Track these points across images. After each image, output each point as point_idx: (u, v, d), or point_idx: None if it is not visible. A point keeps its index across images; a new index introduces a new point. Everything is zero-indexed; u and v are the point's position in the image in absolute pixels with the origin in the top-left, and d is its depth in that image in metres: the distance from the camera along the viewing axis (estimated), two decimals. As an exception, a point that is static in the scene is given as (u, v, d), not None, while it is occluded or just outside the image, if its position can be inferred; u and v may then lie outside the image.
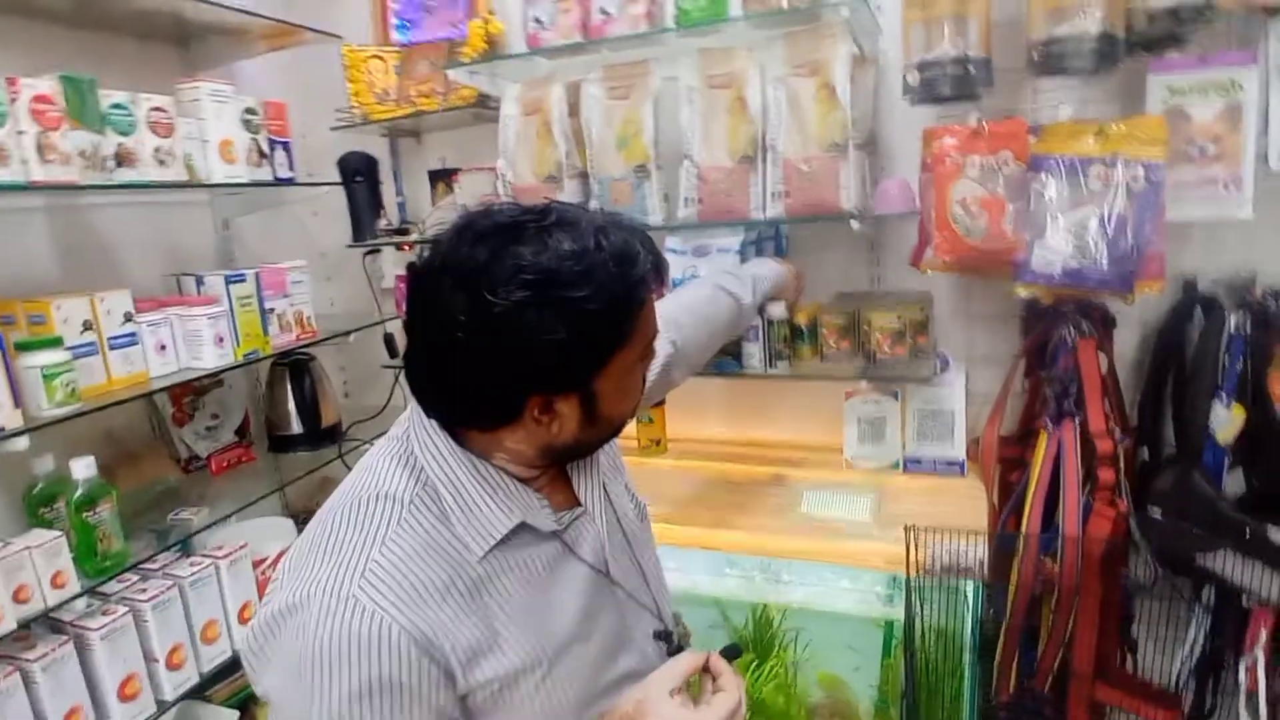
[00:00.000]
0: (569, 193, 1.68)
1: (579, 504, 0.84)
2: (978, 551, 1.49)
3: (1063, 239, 1.36)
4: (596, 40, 1.62)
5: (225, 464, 1.96)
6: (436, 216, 1.97)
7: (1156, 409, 1.60)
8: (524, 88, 1.71)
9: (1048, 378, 1.57)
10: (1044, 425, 1.56)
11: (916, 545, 1.49)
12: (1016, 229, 1.40)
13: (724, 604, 1.85)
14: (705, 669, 0.80)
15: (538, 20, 1.64)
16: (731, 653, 0.82)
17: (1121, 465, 1.48)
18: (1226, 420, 1.42)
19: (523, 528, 0.77)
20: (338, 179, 2.00)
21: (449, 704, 0.70)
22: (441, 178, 2.07)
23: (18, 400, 1.31)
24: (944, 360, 1.72)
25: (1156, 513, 1.49)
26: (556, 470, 0.83)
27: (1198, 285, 1.53)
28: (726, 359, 1.66)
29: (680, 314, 1.27)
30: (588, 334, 0.69)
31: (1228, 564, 1.38)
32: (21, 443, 1.31)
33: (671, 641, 0.89)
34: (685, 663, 0.78)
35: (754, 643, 1.86)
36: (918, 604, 1.52)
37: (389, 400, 2.17)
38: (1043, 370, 1.60)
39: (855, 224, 1.50)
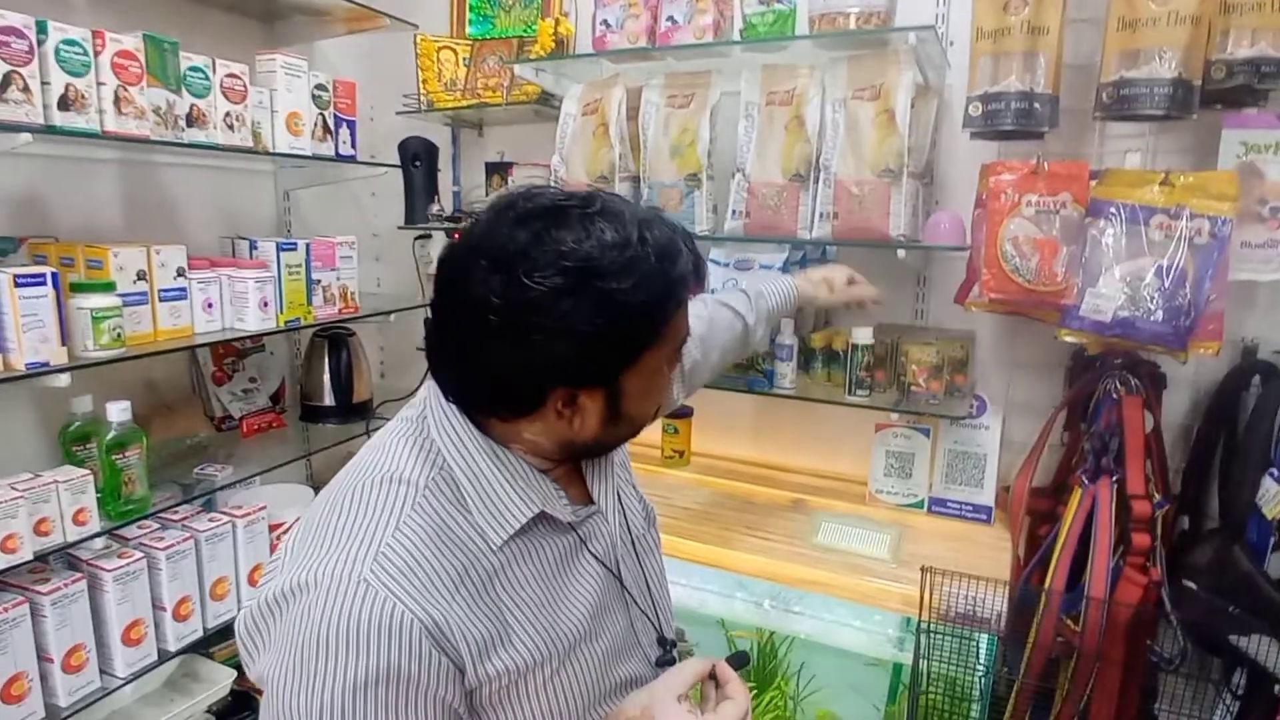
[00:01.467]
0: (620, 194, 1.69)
1: (592, 502, 0.82)
2: (996, 603, 1.44)
3: (1117, 287, 1.31)
4: (662, 47, 1.63)
5: (256, 427, 2.00)
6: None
7: (1202, 478, 1.53)
8: (586, 88, 1.73)
9: (1088, 432, 1.51)
10: (1079, 481, 1.51)
11: (932, 589, 1.45)
12: (1068, 273, 1.36)
13: (729, 626, 1.82)
14: (711, 676, 0.78)
15: (605, 23, 1.66)
16: (738, 660, 0.80)
17: (1159, 531, 1.42)
18: (1276, 496, 1.35)
19: (541, 518, 0.75)
20: (398, 162, 2.05)
21: (456, 699, 0.67)
22: (498, 170, 2.10)
23: (65, 338, 1.36)
24: (981, 403, 1.67)
25: (1192, 586, 1.42)
26: (571, 466, 0.82)
27: (1258, 352, 1.46)
28: (758, 377, 1.65)
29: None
30: (623, 328, 0.67)
31: (1264, 648, 1.30)
32: (63, 379, 1.35)
33: (674, 650, 0.87)
34: (692, 668, 0.76)
35: (756, 671, 1.82)
36: (928, 650, 1.47)
37: (421, 384, 2.18)
38: (1084, 424, 1.54)
39: (901, 253, 1.48)
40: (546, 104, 1.90)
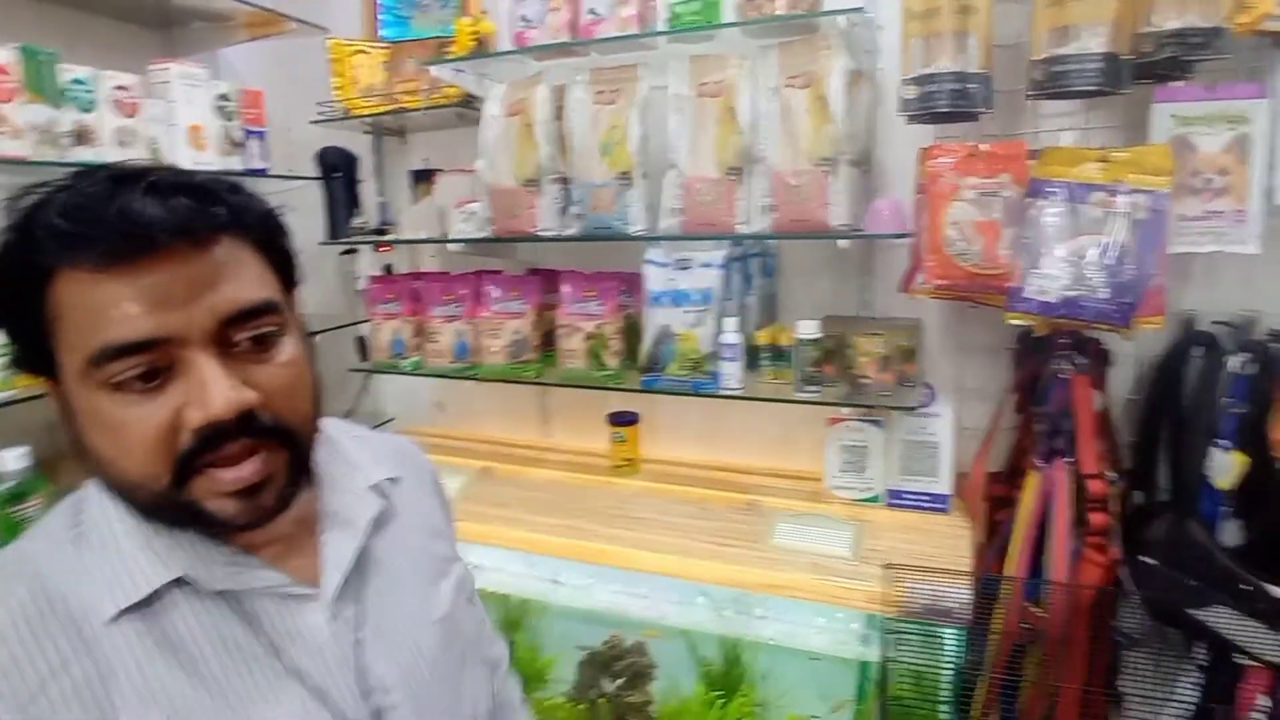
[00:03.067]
0: (549, 197, 1.62)
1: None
2: (960, 594, 1.41)
3: (1060, 267, 1.29)
4: (585, 40, 1.56)
5: (178, 464, 1.87)
6: (413, 217, 1.90)
7: (1151, 452, 1.53)
8: (509, 88, 1.65)
9: (1039, 414, 1.50)
10: (1034, 463, 1.49)
11: (897, 585, 1.42)
12: (1012, 255, 1.34)
13: (692, 636, 1.77)
14: None
15: (525, 19, 1.59)
16: None
17: (1114, 509, 1.41)
18: (1225, 467, 1.35)
19: (188, 591, 0.59)
20: (316, 174, 1.93)
21: None
22: (423, 178, 2.01)
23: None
24: (931, 391, 1.65)
25: (1149, 561, 1.41)
26: (302, 540, 0.66)
27: (1196, 323, 1.46)
28: (703, 379, 1.59)
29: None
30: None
31: (1223, 619, 1.30)
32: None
33: None
34: None
35: (722, 679, 1.77)
36: (895, 646, 1.44)
37: (356, 405, 2.08)
38: (1034, 406, 1.53)
39: (843, 243, 1.44)
40: (469, 107, 1.82)
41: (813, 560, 1.55)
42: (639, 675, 1.86)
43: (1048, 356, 1.49)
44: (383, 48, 1.98)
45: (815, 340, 1.53)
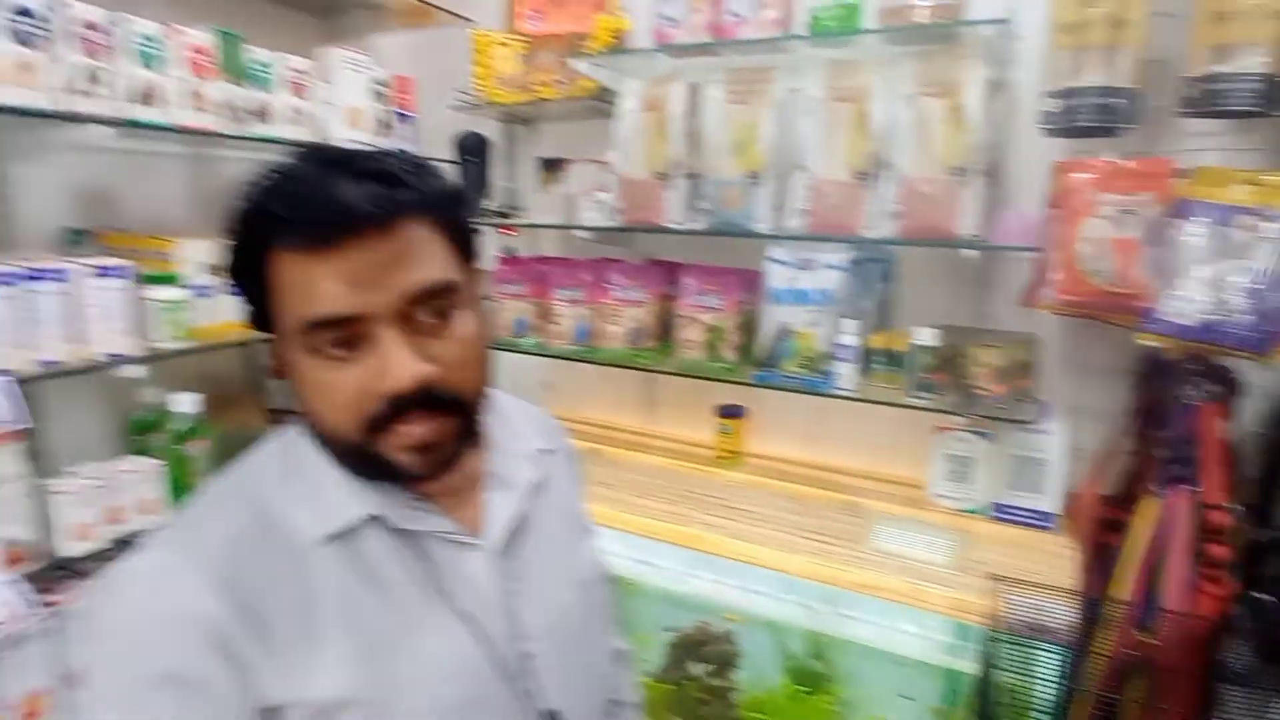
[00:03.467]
0: (678, 191, 1.68)
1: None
2: (1062, 613, 1.40)
3: (1200, 290, 1.27)
4: (724, 42, 1.61)
5: (310, 420, 2.02)
6: (542, 203, 1.99)
7: (1273, 487, 1.47)
8: (646, 84, 1.71)
9: (1161, 439, 1.46)
10: (1150, 489, 1.46)
11: (1000, 597, 1.42)
12: (1149, 275, 1.31)
13: (780, 629, 1.80)
14: None
15: (668, 18, 1.65)
16: None
17: (1233, 543, 1.37)
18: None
19: (381, 527, 0.67)
20: (453, 157, 2.05)
21: (245, 711, 0.59)
22: (550, 167, 2.10)
23: (137, 329, 1.38)
24: (1045, 407, 1.63)
25: (1263, 598, 1.37)
26: (469, 494, 0.74)
27: (1343, 359, 1.40)
28: (817, 377, 1.62)
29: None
30: (232, 263, 0.64)
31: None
32: (135, 370, 1.37)
33: None
34: None
35: (807, 674, 1.80)
36: (994, 660, 1.44)
37: (471, 379, 2.19)
38: (1156, 430, 1.50)
39: (968, 252, 1.44)
40: (602, 100, 1.89)
41: (909, 565, 1.56)
42: (725, 662, 1.91)
43: (1175, 381, 1.45)
44: (521, 40, 2.08)
45: (931, 347, 1.54)
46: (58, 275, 1.26)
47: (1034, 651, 1.42)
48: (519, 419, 0.83)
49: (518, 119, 2.21)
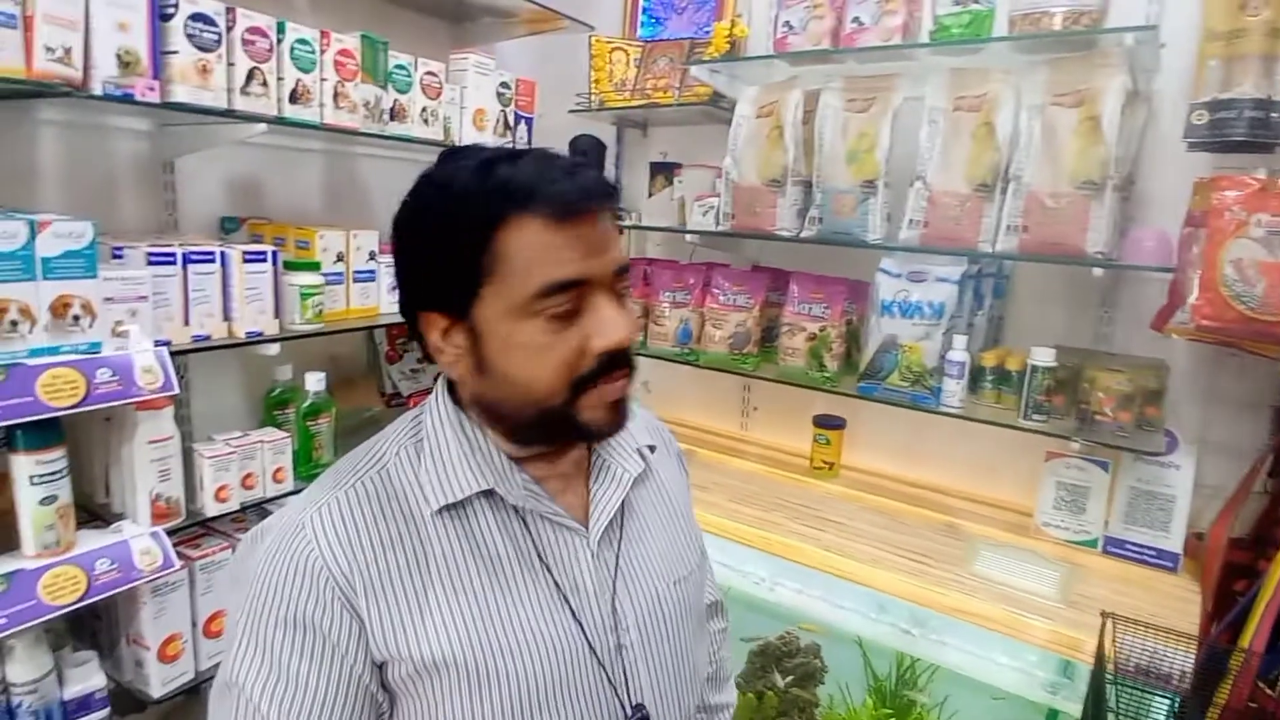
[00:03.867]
0: (790, 199, 1.68)
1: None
2: (1179, 659, 1.32)
3: (1361, 323, 1.17)
4: (844, 49, 1.60)
5: (421, 404, 2.13)
6: (653, 206, 2.02)
7: None
8: (762, 90, 1.72)
9: (1305, 481, 1.35)
10: (1291, 534, 1.36)
11: (1113, 637, 1.34)
12: (1301, 303, 1.22)
13: (868, 646, 1.76)
14: None
15: (788, 24, 1.64)
16: None
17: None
18: None
19: (493, 506, 0.72)
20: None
21: (362, 667, 0.66)
22: (662, 170, 2.13)
23: (277, 311, 1.49)
24: (1173, 439, 1.53)
25: None
26: (576, 482, 0.77)
27: None
28: (924, 393, 1.58)
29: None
30: (446, 239, 0.67)
31: None
32: (274, 349, 1.49)
33: None
34: None
35: (893, 697, 1.76)
36: (1100, 704, 1.36)
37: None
38: (1299, 471, 1.39)
39: (1098, 271, 1.38)
40: (716, 105, 1.91)
41: (1011, 594, 1.50)
42: (809, 676, 1.89)
43: (1325, 420, 1.34)
44: (638, 46, 2.12)
45: (1049, 368, 1.48)
46: (214, 258, 1.38)
47: (1147, 697, 1.34)
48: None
49: (632, 123, 2.25)
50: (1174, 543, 1.53)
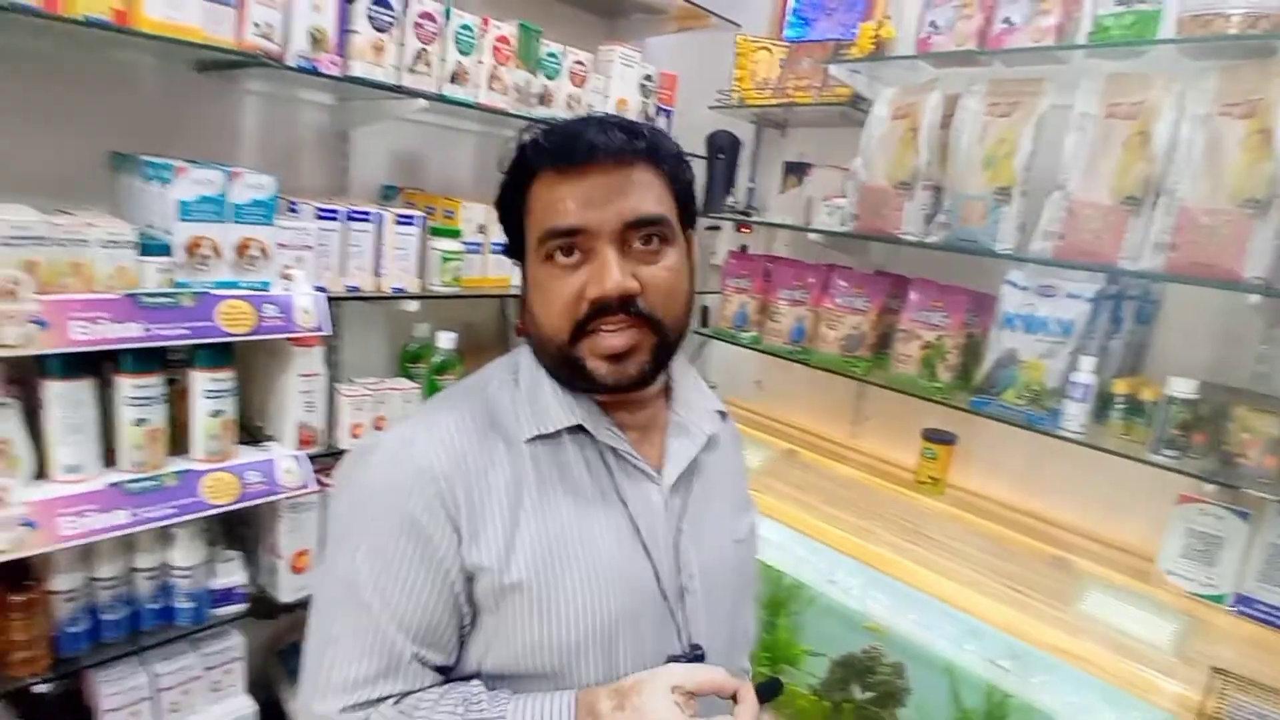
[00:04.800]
0: (917, 202, 1.64)
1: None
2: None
3: None
4: (990, 51, 1.54)
5: (541, 376, 2.25)
6: (781, 204, 2.04)
7: None
8: (899, 91, 1.69)
9: None
10: None
11: (1222, 695, 1.23)
12: None
13: (956, 674, 1.69)
14: (734, 697, 0.72)
15: (933, 24, 1.61)
16: (768, 690, 0.74)
17: None
18: None
19: (579, 439, 0.78)
20: (704, 153, 2.17)
21: (456, 571, 0.72)
22: (795, 170, 2.14)
23: (420, 272, 1.64)
24: (1332, 496, 1.37)
25: None
26: (653, 434, 0.83)
27: None
28: (1041, 413, 1.50)
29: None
30: (503, 199, 0.79)
31: None
32: (414, 305, 1.64)
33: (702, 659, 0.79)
34: (709, 673, 0.72)
35: (978, 736, 1.67)
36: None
37: (694, 362, 2.31)
38: None
39: (1254, 299, 1.26)
40: (855, 107, 1.90)
41: (1121, 640, 1.40)
42: (890, 695, 1.84)
43: None
44: (783, 46, 2.14)
45: (1189, 401, 1.37)
46: (370, 218, 1.55)
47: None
48: (700, 383, 0.92)
49: (770, 122, 2.27)
50: (1320, 609, 1.37)
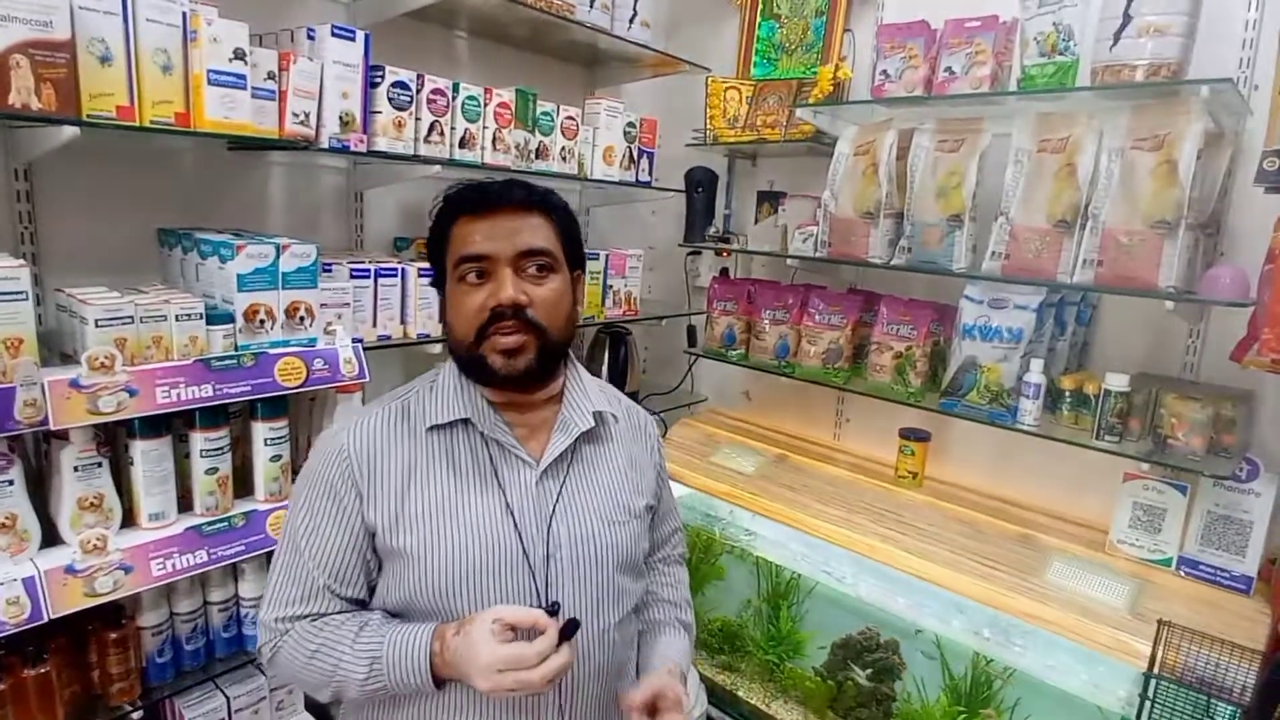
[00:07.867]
0: (882, 230, 1.85)
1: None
2: (1242, 675, 1.39)
3: None
4: (937, 97, 1.76)
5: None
6: (758, 231, 2.24)
7: None
8: (860, 130, 1.90)
9: (1383, 513, 1.40)
10: (1365, 563, 1.40)
11: (1171, 645, 1.43)
12: (1367, 340, 1.29)
13: (944, 646, 1.89)
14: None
15: (885, 73, 1.82)
16: (569, 629, 0.88)
17: None
18: None
19: (469, 430, 0.98)
20: (682, 187, 2.36)
21: (359, 525, 0.95)
22: (768, 199, 2.34)
23: (440, 316, 1.81)
24: (1254, 466, 1.59)
25: None
26: (541, 433, 1.02)
27: None
28: (1001, 410, 1.71)
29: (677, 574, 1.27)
30: (431, 239, 1.01)
31: None
32: (436, 348, 1.81)
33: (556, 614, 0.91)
34: (527, 613, 0.88)
35: (966, 697, 1.86)
36: (1156, 708, 1.45)
37: (682, 382, 2.49)
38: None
39: (1170, 304, 1.48)
40: (819, 141, 2.10)
41: (1083, 605, 1.60)
42: (887, 670, 2.02)
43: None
44: (750, 84, 2.34)
45: (1122, 393, 1.58)
46: (396, 273, 1.71)
47: (1206, 705, 1.42)
48: (595, 393, 1.09)
49: (742, 154, 2.48)
50: (1249, 566, 1.59)
